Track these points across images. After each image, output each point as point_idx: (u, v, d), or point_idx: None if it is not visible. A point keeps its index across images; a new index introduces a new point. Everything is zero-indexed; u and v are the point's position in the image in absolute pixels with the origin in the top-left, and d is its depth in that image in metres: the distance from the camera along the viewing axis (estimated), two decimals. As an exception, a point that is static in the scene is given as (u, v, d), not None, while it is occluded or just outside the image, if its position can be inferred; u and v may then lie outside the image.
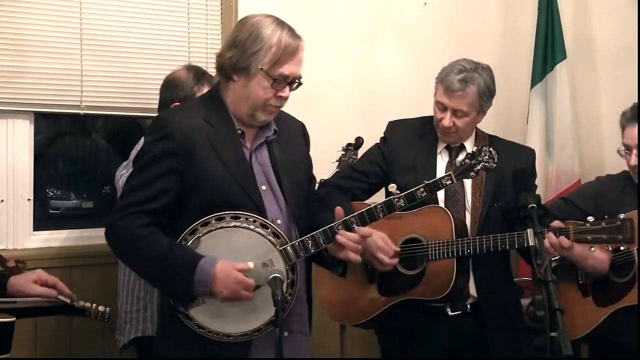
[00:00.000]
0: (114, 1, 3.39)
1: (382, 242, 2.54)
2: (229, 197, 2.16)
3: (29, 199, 3.31)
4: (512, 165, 2.73)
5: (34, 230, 3.34)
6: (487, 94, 2.75)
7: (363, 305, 2.79)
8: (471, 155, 2.37)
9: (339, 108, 3.92)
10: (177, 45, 3.55)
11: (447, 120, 2.73)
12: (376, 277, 2.75)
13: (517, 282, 3.24)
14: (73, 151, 3.84)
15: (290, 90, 2.25)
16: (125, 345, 2.89)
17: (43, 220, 3.49)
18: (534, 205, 2.38)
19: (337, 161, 3.34)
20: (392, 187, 2.39)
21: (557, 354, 1.99)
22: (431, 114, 2.84)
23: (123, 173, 2.84)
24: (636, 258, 2.72)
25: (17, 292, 2.35)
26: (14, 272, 2.48)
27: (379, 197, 2.67)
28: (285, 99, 2.24)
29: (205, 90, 2.70)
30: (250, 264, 2.10)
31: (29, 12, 3.21)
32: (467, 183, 2.76)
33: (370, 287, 2.77)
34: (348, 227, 2.24)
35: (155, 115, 2.73)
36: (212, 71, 2.73)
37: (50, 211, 3.74)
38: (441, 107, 2.75)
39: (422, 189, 2.32)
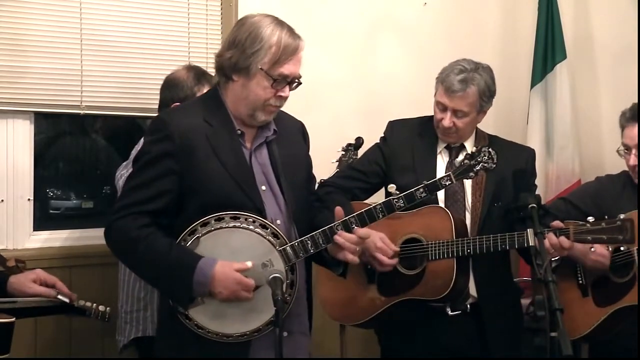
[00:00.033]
0: (114, 1, 3.39)
1: (381, 242, 2.54)
2: (229, 198, 2.16)
3: (29, 199, 3.31)
4: (512, 165, 2.74)
5: (34, 230, 3.34)
6: (487, 94, 2.75)
7: (363, 305, 2.79)
8: (470, 156, 2.37)
9: (339, 108, 3.92)
10: (177, 45, 3.55)
11: (447, 120, 2.73)
12: (376, 277, 2.75)
13: (517, 282, 3.25)
14: (73, 151, 3.84)
15: (290, 90, 2.24)
16: (126, 346, 2.89)
17: (43, 220, 3.49)
18: (534, 205, 2.38)
19: (337, 161, 3.34)
20: (392, 187, 2.39)
21: (557, 354, 2.00)
22: (431, 114, 2.84)
23: (123, 173, 2.84)
24: (636, 258, 2.72)
25: (17, 291, 2.35)
26: (14, 271, 2.48)
27: (378, 197, 2.67)
28: (285, 98, 2.24)
29: (205, 90, 2.70)
30: (249, 264, 2.10)
31: (29, 12, 3.21)
32: (467, 183, 2.76)
33: (370, 287, 2.77)
34: (347, 227, 2.24)
35: (155, 115, 2.73)
36: (212, 71, 2.73)
37: (50, 211, 3.74)
38: (441, 107, 2.75)
39: (421, 190, 2.32)
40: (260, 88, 2.19)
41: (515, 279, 3.15)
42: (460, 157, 2.44)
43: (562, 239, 2.51)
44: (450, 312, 2.71)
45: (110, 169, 3.42)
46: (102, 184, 3.90)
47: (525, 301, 3.17)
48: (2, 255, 2.58)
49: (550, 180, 4.09)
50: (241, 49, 2.17)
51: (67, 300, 2.39)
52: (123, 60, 3.40)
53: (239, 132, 2.25)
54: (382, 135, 2.95)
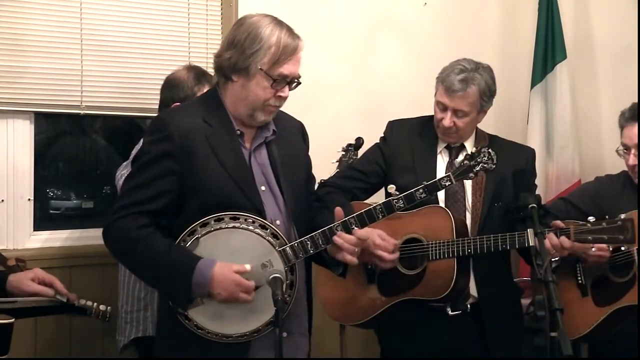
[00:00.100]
0: (114, 1, 3.39)
1: (379, 239, 2.53)
2: (228, 198, 2.16)
3: (29, 199, 3.31)
4: (512, 165, 2.74)
5: (34, 230, 3.34)
6: (487, 94, 2.75)
7: (363, 305, 2.79)
8: (470, 156, 2.37)
9: (339, 108, 3.92)
10: (177, 45, 3.56)
11: (447, 120, 2.73)
12: (376, 277, 2.75)
13: (517, 282, 3.24)
14: (73, 151, 3.84)
15: (290, 90, 2.24)
16: (126, 346, 2.89)
17: (43, 220, 3.49)
18: (534, 205, 2.38)
19: (337, 161, 3.34)
20: (391, 188, 2.39)
21: (557, 354, 2.00)
22: (431, 113, 2.84)
23: (124, 173, 2.83)
24: (636, 258, 2.72)
25: (15, 289, 2.35)
26: (14, 271, 2.48)
27: (379, 197, 2.67)
28: (285, 98, 2.24)
29: (205, 90, 2.70)
30: (248, 267, 2.10)
31: (29, 12, 3.21)
32: (468, 183, 2.75)
33: (371, 287, 2.77)
34: (347, 228, 2.24)
35: (155, 115, 2.73)
36: (212, 71, 2.74)
37: (51, 211, 3.74)
38: (442, 107, 2.75)
39: (421, 190, 2.32)
40: (260, 88, 2.19)
41: (515, 279, 3.15)
42: (460, 157, 2.44)
43: (563, 239, 2.51)
44: (450, 312, 2.70)
45: (110, 169, 3.42)
46: (102, 184, 3.90)
47: (525, 301, 3.17)
48: (2, 254, 2.58)
49: (550, 180, 4.09)
50: (240, 49, 2.17)
51: (64, 299, 2.39)
52: (123, 60, 3.41)
53: (239, 132, 2.25)
54: (382, 135, 2.95)
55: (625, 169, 2.95)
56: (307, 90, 2.56)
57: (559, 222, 2.57)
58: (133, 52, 3.43)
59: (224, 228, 2.13)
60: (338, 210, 2.26)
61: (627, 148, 2.88)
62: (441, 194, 2.73)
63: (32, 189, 3.33)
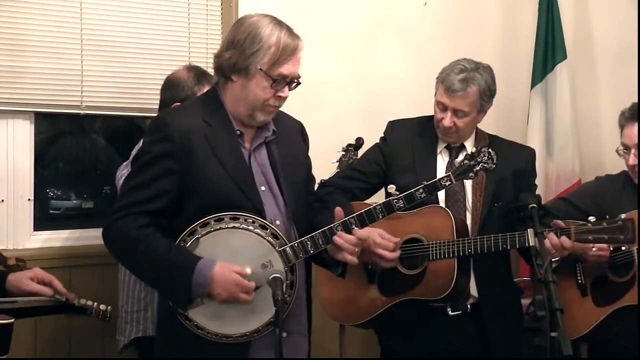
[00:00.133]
0: (114, 1, 3.39)
1: (380, 238, 2.52)
2: (228, 198, 2.16)
3: (29, 199, 3.31)
4: (512, 165, 2.74)
5: (34, 230, 3.34)
6: (487, 94, 2.75)
7: (363, 305, 2.79)
8: (470, 156, 2.37)
9: (339, 108, 3.92)
10: (177, 45, 3.56)
11: (447, 120, 2.73)
12: (377, 277, 2.75)
13: (517, 282, 3.24)
14: (73, 151, 3.84)
15: (289, 90, 2.24)
16: (126, 346, 2.89)
17: (43, 220, 3.49)
18: (534, 205, 2.38)
19: (337, 161, 3.34)
20: (391, 188, 2.39)
21: (557, 354, 2.00)
22: (431, 113, 2.84)
23: (124, 173, 2.83)
24: (636, 258, 2.72)
25: (14, 288, 2.35)
26: (14, 270, 2.48)
27: (379, 198, 2.67)
28: (284, 99, 2.24)
29: (205, 90, 2.70)
30: (248, 270, 2.10)
31: (29, 12, 3.21)
32: (468, 183, 2.75)
33: (371, 287, 2.77)
34: (347, 228, 2.24)
35: (156, 115, 2.73)
36: (212, 71, 2.74)
37: (51, 211, 3.75)
38: (442, 107, 2.75)
39: (421, 190, 2.32)
40: (260, 88, 2.18)
41: (515, 279, 3.15)
42: (460, 157, 2.44)
43: (564, 238, 2.51)
44: (450, 312, 2.70)
45: (110, 169, 3.42)
46: (102, 184, 3.90)
47: (525, 301, 3.17)
48: (2, 254, 2.58)
49: (550, 180, 4.09)
50: (240, 49, 2.17)
51: (63, 299, 2.39)
52: (123, 60, 3.41)
53: (238, 132, 2.25)
54: (382, 135, 2.95)
55: (625, 169, 2.95)
56: (307, 90, 2.56)
57: (559, 222, 2.57)
58: (133, 52, 3.43)
59: (224, 228, 2.13)
60: (338, 210, 2.26)
61: (627, 148, 2.88)
62: (441, 194, 2.73)
63: (32, 189, 3.33)
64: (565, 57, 4.10)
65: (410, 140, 2.86)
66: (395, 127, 2.93)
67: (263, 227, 2.16)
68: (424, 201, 2.39)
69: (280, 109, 2.31)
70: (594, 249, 2.68)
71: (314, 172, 2.51)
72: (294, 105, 2.40)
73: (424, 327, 2.73)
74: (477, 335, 2.74)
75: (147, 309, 2.84)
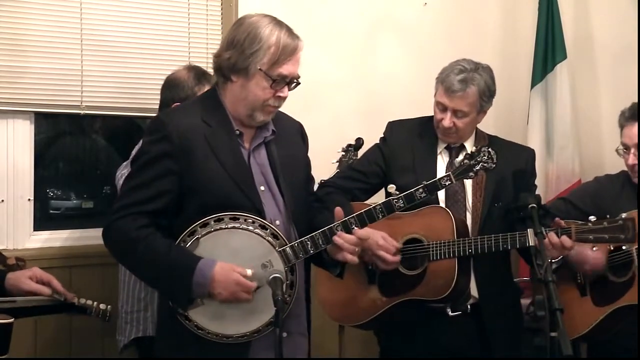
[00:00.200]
0: (114, 1, 3.39)
1: (383, 240, 2.54)
2: (228, 198, 2.16)
3: (29, 199, 3.31)
4: (512, 165, 2.74)
5: (34, 230, 3.34)
6: (487, 94, 2.75)
7: (364, 306, 2.79)
8: (470, 156, 2.37)
9: (339, 108, 3.92)
10: (177, 45, 3.56)
11: (447, 120, 2.73)
12: (377, 277, 2.75)
13: (517, 282, 3.24)
14: (73, 151, 3.84)
15: (289, 90, 2.24)
16: (126, 346, 2.89)
17: (43, 220, 3.49)
18: (534, 205, 2.38)
19: (337, 162, 3.34)
20: (391, 187, 2.39)
21: (557, 354, 2.00)
22: (431, 114, 2.84)
23: (124, 173, 2.83)
24: (635, 257, 2.72)
25: (13, 287, 2.36)
26: (14, 269, 2.48)
27: (379, 198, 2.67)
28: (284, 99, 2.24)
29: (205, 90, 2.70)
30: (249, 272, 2.10)
31: (29, 12, 3.21)
32: (468, 183, 2.75)
33: (371, 288, 2.77)
34: (347, 228, 2.24)
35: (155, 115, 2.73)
36: (212, 71, 2.74)
37: (51, 211, 3.75)
38: (441, 107, 2.75)
39: (421, 190, 2.32)
40: (259, 88, 2.18)
41: (515, 279, 3.15)
42: (460, 157, 2.44)
43: (564, 238, 2.50)
44: (450, 313, 2.70)
45: (110, 169, 3.42)
46: (102, 184, 3.90)
47: (525, 301, 3.17)
48: (2, 254, 2.59)
49: (550, 180, 4.09)
50: (240, 49, 2.17)
51: (62, 298, 2.39)
52: (123, 60, 3.41)
53: (238, 132, 2.24)
54: (382, 135, 2.95)
55: (625, 168, 2.95)
56: (307, 90, 2.56)
57: (560, 221, 2.57)
58: (133, 52, 3.43)
59: (224, 228, 2.13)
60: (338, 210, 2.26)
61: (626, 147, 2.88)
62: (441, 194, 2.73)
63: (32, 189, 3.33)
64: (565, 57, 4.10)
65: (410, 141, 2.86)
66: (395, 128, 2.93)
67: (263, 227, 2.16)
68: (424, 201, 2.39)
69: (280, 109, 2.30)
70: (594, 248, 2.68)
71: (314, 172, 2.51)
72: (294, 105, 2.40)
73: (424, 327, 2.73)
74: (477, 336, 2.73)
75: (147, 309, 2.84)
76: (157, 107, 2.95)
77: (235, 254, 2.12)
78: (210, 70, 2.79)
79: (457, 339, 2.73)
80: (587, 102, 4.18)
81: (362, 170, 2.90)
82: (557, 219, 2.58)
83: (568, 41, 4.13)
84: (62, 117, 3.62)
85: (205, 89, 2.72)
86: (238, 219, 2.14)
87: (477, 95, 2.71)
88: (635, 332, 2.69)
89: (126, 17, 3.42)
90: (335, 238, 2.21)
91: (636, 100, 3.00)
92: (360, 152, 3.26)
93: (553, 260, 2.57)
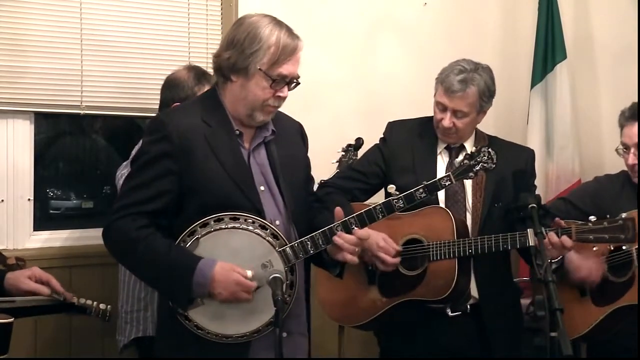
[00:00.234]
0: (114, 1, 3.39)
1: (383, 242, 2.55)
2: (228, 198, 2.16)
3: (29, 199, 3.31)
4: (512, 165, 2.73)
5: (34, 230, 3.34)
6: (487, 94, 2.75)
7: (364, 306, 2.79)
8: (470, 156, 2.37)
9: (339, 108, 3.92)
10: (177, 45, 3.56)
11: (447, 120, 2.73)
12: (377, 277, 2.75)
13: (517, 282, 3.24)
14: (73, 151, 3.84)
15: (289, 90, 2.24)
16: (126, 345, 2.89)
17: (43, 220, 3.49)
18: (534, 205, 2.38)
19: (337, 162, 3.34)
20: (391, 188, 2.39)
21: (557, 354, 1.99)
22: (431, 114, 2.84)
23: (124, 173, 2.83)
24: (635, 258, 2.72)
25: (12, 287, 2.36)
26: (13, 269, 2.48)
27: (378, 198, 2.67)
28: (284, 99, 2.24)
29: (206, 90, 2.70)
30: (249, 273, 2.10)
31: (29, 12, 3.21)
32: (468, 183, 2.75)
33: (371, 288, 2.77)
34: (347, 228, 2.24)
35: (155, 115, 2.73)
36: (212, 71, 2.74)
37: (51, 211, 3.75)
38: (441, 107, 2.75)
39: (421, 190, 2.32)
40: (259, 88, 2.18)
41: (515, 279, 3.15)
42: (460, 157, 2.44)
43: (565, 238, 2.50)
44: (450, 313, 2.70)
45: (110, 169, 3.42)
46: (102, 184, 3.90)
47: (525, 301, 3.17)
48: (2, 253, 2.58)
49: (550, 180, 4.09)
50: (240, 49, 2.17)
51: (61, 298, 2.39)
52: (123, 60, 3.41)
53: (237, 132, 2.24)
54: (382, 136, 2.95)
55: (625, 168, 2.95)
56: (307, 90, 2.56)
57: (560, 221, 2.57)
58: (133, 52, 3.43)
59: (224, 228, 2.13)
60: (338, 210, 2.26)
61: (626, 147, 2.88)
62: (441, 195, 2.73)
63: (32, 189, 3.33)
64: (565, 57, 4.10)
65: (410, 141, 2.86)
66: (394, 128, 2.93)
67: (263, 227, 2.16)
68: (424, 201, 2.39)
69: (280, 109, 2.30)
70: (595, 248, 2.68)
71: (314, 172, 2.51)
72: (294, 105, 2.40)
73: (424, 327, 2.73)
74: (477, 336, 2.74)
75: (147, 309, 2.84)
76: (157, 107, 2.95)
77: (235, 254, 2.12)
78: (210, 70, 2.79)
79: (457, 339, 2.73)
80: (587, 102, 4.18)
81: (362, 171, 2.90)
82: (557, 219, 2.58)
83: (568, 41, 4.13)
84: (62, 117, 3.62)
85: (205, 89, 2.72)
86: (238, 219, 2.14)
87: (477, 95, 2.71)
88: (635, 332, 2.69)
89: (126, 17, 3.41)
90: (335, 238, 2.21)
91: (636, 100, 3.00)
92: (360, 152, 3.25)
93: (553, 260, 2.57)
